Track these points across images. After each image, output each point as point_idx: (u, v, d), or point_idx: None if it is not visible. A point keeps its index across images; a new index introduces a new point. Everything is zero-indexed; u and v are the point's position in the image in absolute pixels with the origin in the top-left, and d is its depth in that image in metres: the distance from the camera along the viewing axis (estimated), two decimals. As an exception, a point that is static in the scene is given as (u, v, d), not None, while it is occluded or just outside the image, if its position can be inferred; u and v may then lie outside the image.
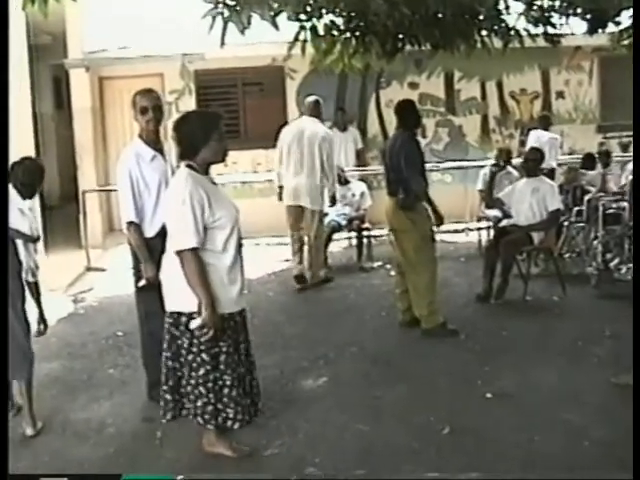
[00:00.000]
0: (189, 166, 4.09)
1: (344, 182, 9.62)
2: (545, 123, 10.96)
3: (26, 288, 4.88)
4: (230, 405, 4.18)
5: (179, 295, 4.07)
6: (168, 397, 4.25)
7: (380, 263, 9.25)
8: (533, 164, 7.84)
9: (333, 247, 9.86)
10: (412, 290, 6.67)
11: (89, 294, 8.69)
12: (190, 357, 4.13)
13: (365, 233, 9.57)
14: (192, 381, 4.15)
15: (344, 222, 9.43)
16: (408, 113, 6.68)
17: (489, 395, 5.17)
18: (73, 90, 11.36)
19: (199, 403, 4.17)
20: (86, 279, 9.42)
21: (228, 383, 4.16)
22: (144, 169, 4.96)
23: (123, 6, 10.66)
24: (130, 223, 4.96)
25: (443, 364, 5.86)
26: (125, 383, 5.74)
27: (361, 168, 11.35)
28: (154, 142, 5.05)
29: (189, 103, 11.58)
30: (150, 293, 4.75)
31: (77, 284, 9.18)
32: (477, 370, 5.66)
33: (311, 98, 8.66)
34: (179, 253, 3.99)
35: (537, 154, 8.02)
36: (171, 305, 4.19)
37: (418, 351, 6.23)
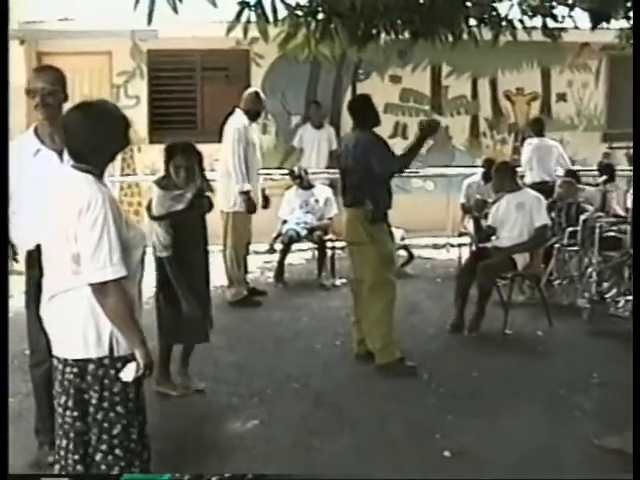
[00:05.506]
0: (89, 172, 3.41)
1: (307, 186, 9.21)
2: (538, 127, 10.50)
3: None
4: (135, 462, 3.58)
5: (85, 338, 3.42)
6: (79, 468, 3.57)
7: (344, 280, 8.78)
8: (502, 175, 7.59)
9: (293, 259, 9.44)
10: (364, 318, 6.27)
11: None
12: (100, 415, 3.48)
13: (329, 245, 9.11)
14: (103, 446, 3.50)
15: (304, 232, 9.00)
16: (363, 111, 6.31)
17: (447, 453, 4.73)
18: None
19: (115, 471, 3.51)
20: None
21: (134, 437, 3.57)
22: (25, 165, 4.37)
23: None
24: None
25: (398, 410, 5.41)
26: (21, 416, 5.22)
27: (331, 171, 10.89)
28: (49, 134, 4.44)
29: (140, 87, 11.13)
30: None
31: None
32: (437, 420, 5.23)
33: (250, 89, 8.56)
34: (98, 285, 3.29)
35: (506, 166, 7.85)
36: (72, 351, 3.48)
37: (370, 391, 5.79)
